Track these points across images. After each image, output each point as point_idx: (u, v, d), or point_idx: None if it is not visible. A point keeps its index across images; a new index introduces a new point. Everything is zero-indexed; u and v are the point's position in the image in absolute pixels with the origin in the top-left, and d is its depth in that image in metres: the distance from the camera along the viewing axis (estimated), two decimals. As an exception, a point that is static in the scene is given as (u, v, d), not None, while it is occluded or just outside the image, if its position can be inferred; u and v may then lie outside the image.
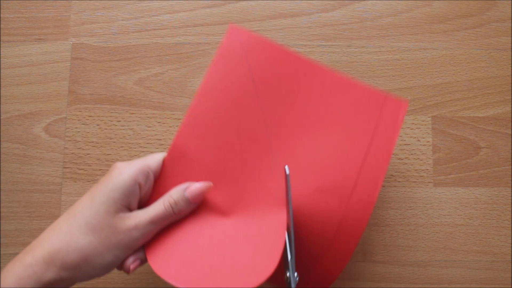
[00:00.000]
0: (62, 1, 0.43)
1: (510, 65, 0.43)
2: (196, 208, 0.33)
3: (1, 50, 0.42)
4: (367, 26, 0.43)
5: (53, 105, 0.42)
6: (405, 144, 0.42)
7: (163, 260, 0.30)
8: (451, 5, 0.44)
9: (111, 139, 0.41)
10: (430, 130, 0.42)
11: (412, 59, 0.43)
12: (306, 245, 0.32)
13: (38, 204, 0.41)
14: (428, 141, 0.42)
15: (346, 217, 0.31)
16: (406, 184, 0.42)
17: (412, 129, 0.42)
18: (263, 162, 0.33)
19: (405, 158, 0.42)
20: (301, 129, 0.34)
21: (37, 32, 0.43)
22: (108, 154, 0.41)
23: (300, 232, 0.32)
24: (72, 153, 0.41)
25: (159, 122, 0.42)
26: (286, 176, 0.30)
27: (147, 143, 0.41)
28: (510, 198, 0.42)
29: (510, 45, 0.43)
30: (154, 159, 0.33)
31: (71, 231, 0.29)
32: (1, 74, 0.42)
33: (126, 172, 0.31)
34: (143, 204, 0.33)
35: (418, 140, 0.42)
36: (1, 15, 0.43)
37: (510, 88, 0.43)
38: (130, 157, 0.41)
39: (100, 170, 0.41)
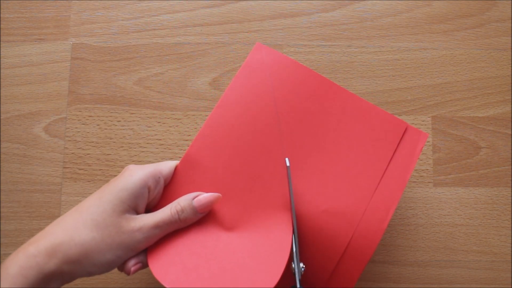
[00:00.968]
0: (62, 1, 0.43)
1: (510, 65, 0.43)
2: (203, 218, 0.33)
3: (1, 50, 0.42)
4: (367, 26, 0.43)
5: (53, 105, 0.42)
6: (405, 144, 0.42)
7: (164, 266, 0.30)
8: (451, 5, 0.44)
9: (111, 139, 0.41)
10: (430, 130, 0.42)
11: (412, 59, 0.43)
12: (311, 266, 0.32)
13: (38, 204, 0.41)
14: (428, 141, 0.42)
15: (353, 243, 0.31)
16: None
17: (412, 129, 0.42)
18: (275, 179, 0.33)
19: (405, 158, 0.42)
20: (317, 149, 0.33)
21: (37, 32, 0.43)
22: (108, 154, 0.41)
23: (306, 253, 0.32)
24: (72, 153, 0.41)
25: (159, 122, 0.42)
26: (287, 168, 0.30)
27: (147, 143, 0.41)
28: (510, 198, 0.42)
29: (510, 45, 0.43)
30: (167, 166, 0.33)
31: (76, 226, 0.29)
32: (1, 74, 0.42)
33: (137, 174, 0.31)
34: (151, 208, 0.33)
35: (418, 140, 0.42)
36: (1, 15, 0.43)
37: (510, 88, 0.43)
38: (130, 157, 0.41)
39: (100, 170, 0.41)
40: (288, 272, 0.32)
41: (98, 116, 0.42)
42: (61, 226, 0.30)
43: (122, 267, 0.31)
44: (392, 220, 0.41)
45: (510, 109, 0.43)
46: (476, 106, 0.43)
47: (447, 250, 0.41)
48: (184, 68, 0.42)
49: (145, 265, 0.31)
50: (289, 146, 0.33)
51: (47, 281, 0.28)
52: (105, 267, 0.30)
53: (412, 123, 0.42)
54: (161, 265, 0.30)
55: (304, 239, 0.32)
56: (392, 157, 0.33)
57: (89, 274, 0.29)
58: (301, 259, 0.32)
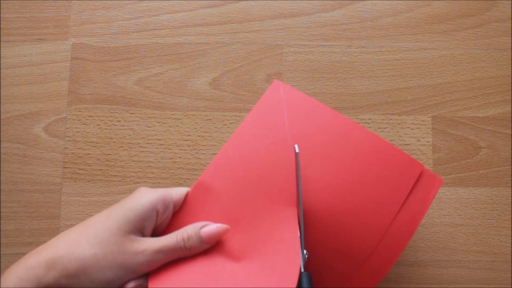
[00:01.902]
0: (62, 1, 0.43)
1: (510, 65, 0.43)
2: (209, 247, 0.33)
3: (1, 50, 0.42)
4: (367, 26, 0.43)
5: (53, 105, 0.42)
6: (405, 144, 0.42)
7: None
8: (451, 5, 0.44)
9: (111, 139, 0.42)
10: (430, 130, 0.42)
11: (412, 59, 0.43)
12: None
13: (38, 204, 0.41)
14: (428, 141, 0.42)
15: (355, 282, 0.32)
16: (406, 184, 0.42)
17: (412, 129, 0.42)
18: (286, 214, 0.33)
19: (405, 158, 0.42)
20: (330, 187, 0.33)
21: (37, 32, 0.43)
22: (108, 154, 0.41)
23: None
24: (72, 153, 0.41)
25: (159, 122, 0.42)
26: (296, 154, 0.31)
27: (147, 143, 0.41)
28: (510, 198, 0.42)
29: (510, 45, 0.43)
30: (178, 191, 0.33)
31: (78, 240, 0.29)
32: (1, 74, 0.42)
33: (147, 196, 0.31)
34: (158, 233, 0.33)
35: (418, 140, 0.42)
36: (1, 15, 0.43)
37: (510, 88, 0.43)
38: (130, 157, 0.41)
39: (100, 170, 0.41)
40: None
41: (98, 116, 0.42)
42: (64, 239, 0.29)
43: None
44: (392, 220, 0.41)
45: (510, 109, 0.43)
46: (476, 106, 0.43)
47: (447, 250, 0.41)
48: (184, 68, 0.42)
49: None
50: (302, 182, 0.33)
51: None
52: (104, 286, 0.29)
53: (412, 123, 0.42)
54: None
55: (309, 272, 0.32)
56: (405, 200, 0.33)
57: None
58: None
